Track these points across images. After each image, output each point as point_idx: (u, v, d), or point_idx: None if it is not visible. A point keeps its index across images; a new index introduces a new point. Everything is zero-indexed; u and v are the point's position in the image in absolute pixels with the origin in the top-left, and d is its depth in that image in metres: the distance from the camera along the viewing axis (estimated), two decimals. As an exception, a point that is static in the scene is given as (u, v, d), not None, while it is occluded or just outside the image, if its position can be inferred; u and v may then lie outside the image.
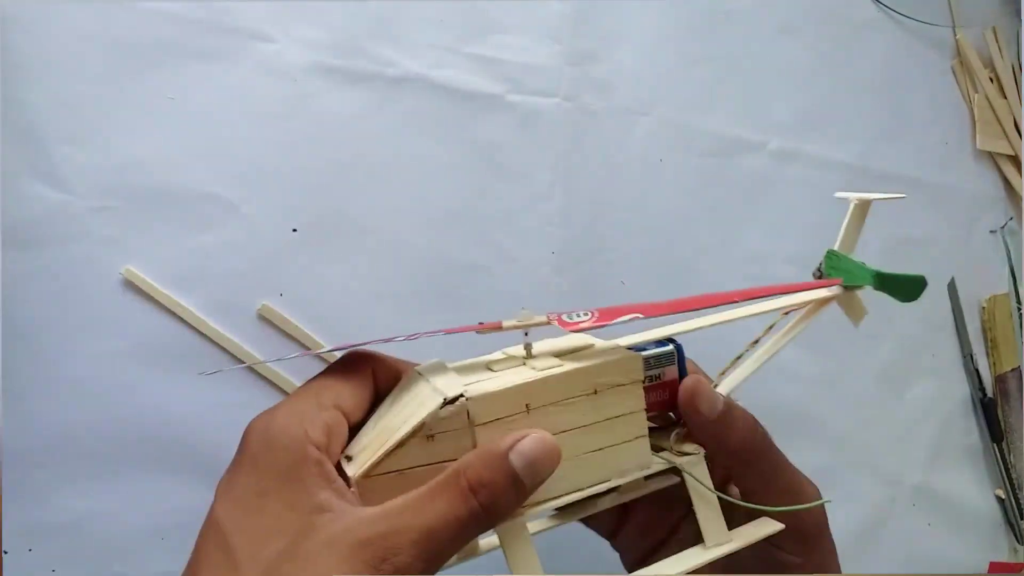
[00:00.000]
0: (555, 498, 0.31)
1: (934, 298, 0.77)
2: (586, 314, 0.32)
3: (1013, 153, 0.81)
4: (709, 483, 0.35)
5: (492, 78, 0.60)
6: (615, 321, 0.30)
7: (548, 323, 0.32)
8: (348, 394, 0.33)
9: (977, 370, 0.77)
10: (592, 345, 0.33)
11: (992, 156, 0.81)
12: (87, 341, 0.49)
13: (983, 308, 0.79)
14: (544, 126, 0.61)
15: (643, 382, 0.32)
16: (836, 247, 0.41)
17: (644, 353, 0.33)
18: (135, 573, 0.50)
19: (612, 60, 0.65)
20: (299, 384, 0.53)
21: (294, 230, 0.54)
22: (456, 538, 0.28)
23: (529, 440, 0.30)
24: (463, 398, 0.29)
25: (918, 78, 0.79)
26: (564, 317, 0.32)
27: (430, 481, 0.29)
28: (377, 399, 0.35)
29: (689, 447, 0.35)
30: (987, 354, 0.78)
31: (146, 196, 0.51)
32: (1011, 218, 0.81)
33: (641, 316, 0.30)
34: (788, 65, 0.72)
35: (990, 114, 0.80)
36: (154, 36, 0.51)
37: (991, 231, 0.81)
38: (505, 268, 0.59)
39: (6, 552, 0.47)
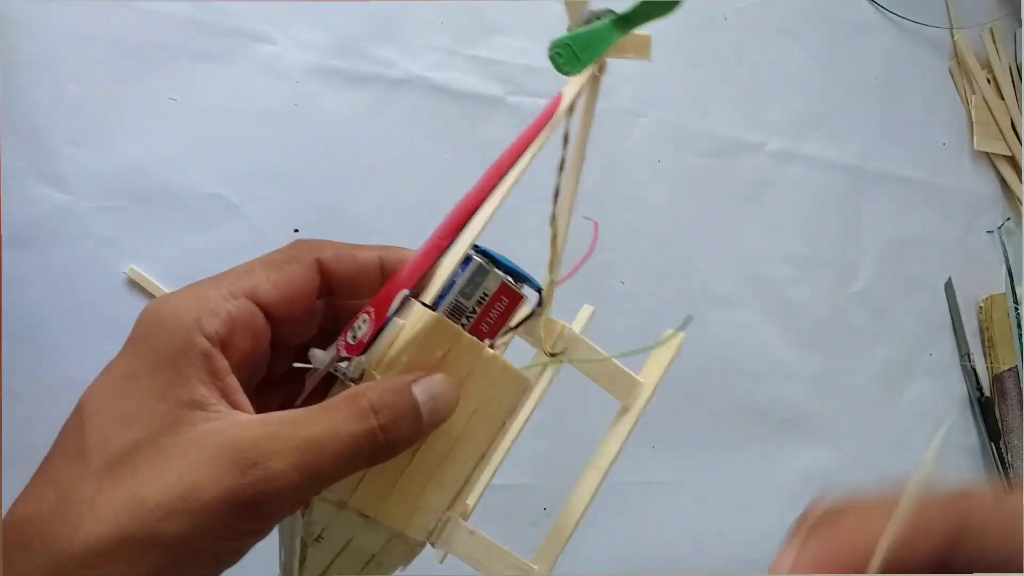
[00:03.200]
0: (469, 474, 0.31)
1: (932, 298, 0.77)
2: (364, 322, 0.29)
3: (1010, 154, 0.81)
4: (591, 353, 0.35)
5: (492, 80, 0.60)
6: (389, 314, 0.28)
7: (338, 356, 0.29)
8: (272, 284, 0.29)
9: (974, 369, 0.77)
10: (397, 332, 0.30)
11: (989, 157, 0.81)
12: (89, 341, 0.49)
13: (980, 308, 0.79)
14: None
15: (465, 323, 0.31)
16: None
17: (450, 294, 0.31)
18: (137, 572, 0.50)
19: (612, 61, 0.65)
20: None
21: (295, 230, 0.54)
22: (343, 456, 0.25)
23: (433, 378, 0.28)
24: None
25: (915, 79, 0.79)
26: (348, 338, 0.29)
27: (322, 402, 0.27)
28: (334, 295, 0.31)
29: (552, 334, 0.34)
30: (984, 354, 0.79)
31: (148, 196, 0.51)
32: (1008, 218, 0.81)
33: (407, 292, 0.28)
34: (786, 66, 0.73)
35: (987, 115, 0.81)
36: (156, 37, 0.52)
37: (988, 231, 0.81)
38: (505, 268, 0.59)
39: (8, 552, 0.48)
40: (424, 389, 0.28)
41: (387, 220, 0.56)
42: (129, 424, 0.25)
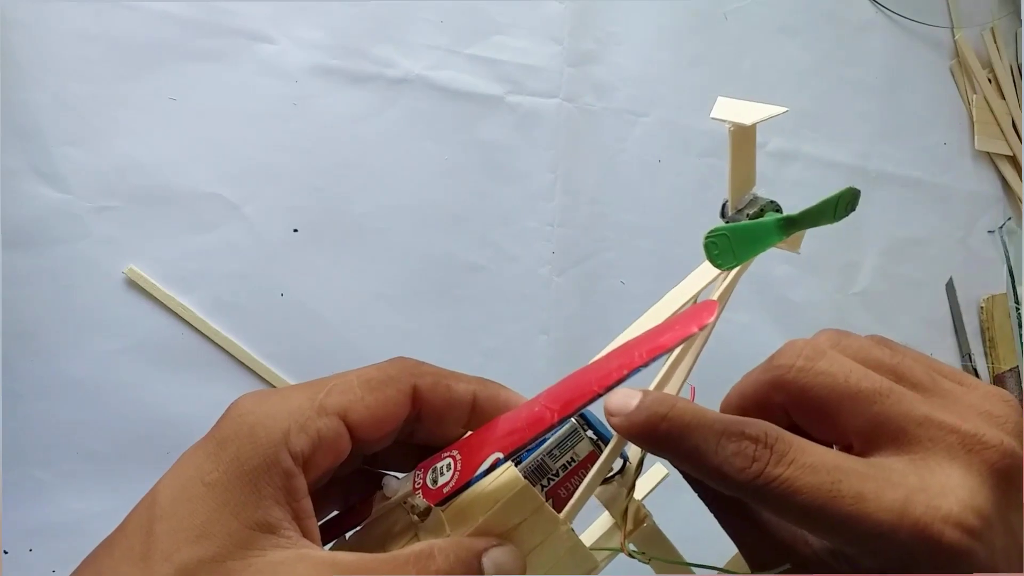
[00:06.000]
0: None
1: (933, 298, 0.77)
2: (448, 467, 0.28)
3: (1011, 153, 0.81)
4: (671, 553, 0.33)
5: (492, 79, 0.60)
6: (476, 474, 0.27)
7: (414, 491, 0.29)
8: (365, 405, 0.28)
9: (976, 370, 0.77)
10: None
11: (990, 156, 0.81)
12: (88, 341, 0.49)
13: (981, 308, 0.79)
14: (544, 127, 0.61)
15: (546, 484, 0.30)
16: (727, 197, 0.32)
17: (537, 452, 0.30)
18: (136, 573, 0.50)
19: (612, 61, 0.65)
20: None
21: (295, 230, 0.54)
22: None
23: (503, 550, 0.27)
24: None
25: (917, 79, 0.79)
26: (428, 479, 0.29)
27: (395, 550, 0.26)
28: (420, 422, 0.30)
29: (634, 517, 0.32)
30: (985, 354, 0.78)
31: (148, 196, 0.51)
32: (1009, 218, 0.81)
33: (501, 456, 0.27)
34: (787, 66, 0.72)
35: (988, 115, 0.81)
36: (155, 37, 0.51)
37: (989, 231, 0.81)
38: (505, 268, 0.59)
39: (6, 552, 0.48)
40: (494, 561, 0.27)
41: (387, 219, 0.56)
42: (199, 539, 0.25)
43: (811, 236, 0.77)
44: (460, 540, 0.27)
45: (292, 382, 0.53)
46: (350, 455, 0.28)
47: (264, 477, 0.26)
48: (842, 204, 0.29)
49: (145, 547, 0.25)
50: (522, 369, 0.59)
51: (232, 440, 0.27)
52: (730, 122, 0.29)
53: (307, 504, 0.27)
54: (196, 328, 0.51)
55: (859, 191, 0.29)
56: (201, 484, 0.26)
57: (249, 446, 0.26)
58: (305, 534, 0.26)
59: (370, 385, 0.29)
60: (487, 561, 0.27)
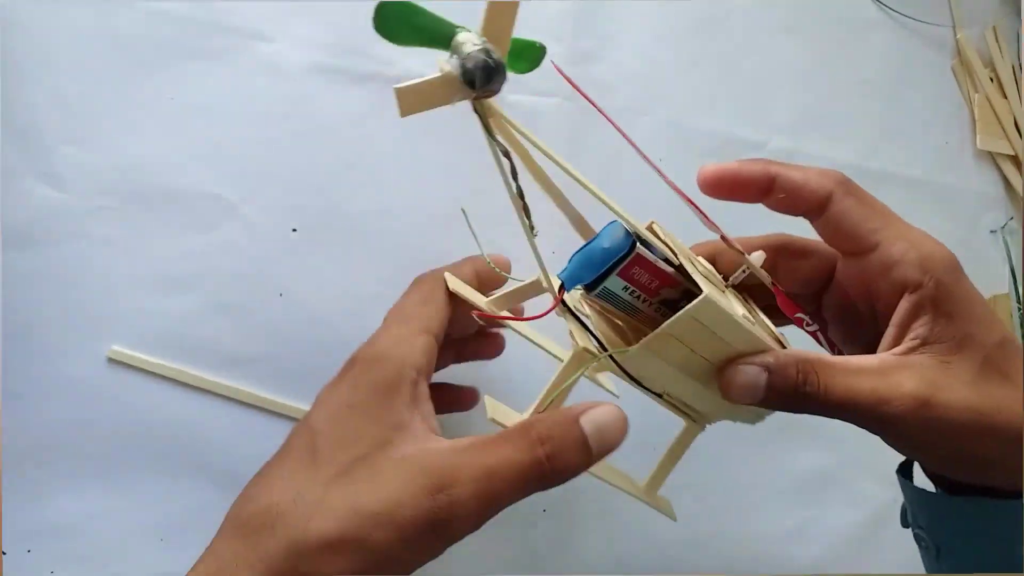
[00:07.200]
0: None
1: (934, 298, 0.77)
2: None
3: (1013, 153, 0.81)
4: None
5: (492, 78, 0.60)
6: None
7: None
8: (434, 318, 0.38)
9: (977, 370, 0.77)
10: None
11: (992, 156, 0.81)
12: (87, 341, 0.49)
13: (983, 308, 0.79)
14: (544, 126, 0.61)
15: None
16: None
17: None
18: (135, 573, 0.50)
19: (612, 60, 0.65)
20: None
21: (294, 230, 0.54)
22: (514, 483, 0.31)
23: (601, 409, 0.33)
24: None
25: (918, 78, 0.79)
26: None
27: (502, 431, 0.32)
28: (455, 317, 0.40)
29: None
30: (987, 354, 0.78)
31: (146, 196, 0.51)
32: (1011, 218, 0.81)
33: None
34: (788, 65, 0.72)
35: (990, 114, 0.80)
36: (154, 36, 0.51)
37: (991, 231, 0.81)
38: (505, 268, 0.59)
39: (5, 553, 0.48)
40: (591, 420, 0.32)
41: (387, 219, 0.56)
42: (351, 444, 0.32)
43: (812, 236, 0.77)
44: (558, 411, 0.33)
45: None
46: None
47: (396, 390, 0.34)
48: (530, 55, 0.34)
49: (311, 456, 0.32)
50: (522, 369, 0.59)
51: (363, 372, 0.35)
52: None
53: (429, 407, 0.34)
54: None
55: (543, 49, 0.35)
56: (346, 407, 0.34)
57: (380, 371, 0.34)
58: (431, 430, 0.33)
59: (439, 305, 0.40)
60: (585, 421, 0.32)
